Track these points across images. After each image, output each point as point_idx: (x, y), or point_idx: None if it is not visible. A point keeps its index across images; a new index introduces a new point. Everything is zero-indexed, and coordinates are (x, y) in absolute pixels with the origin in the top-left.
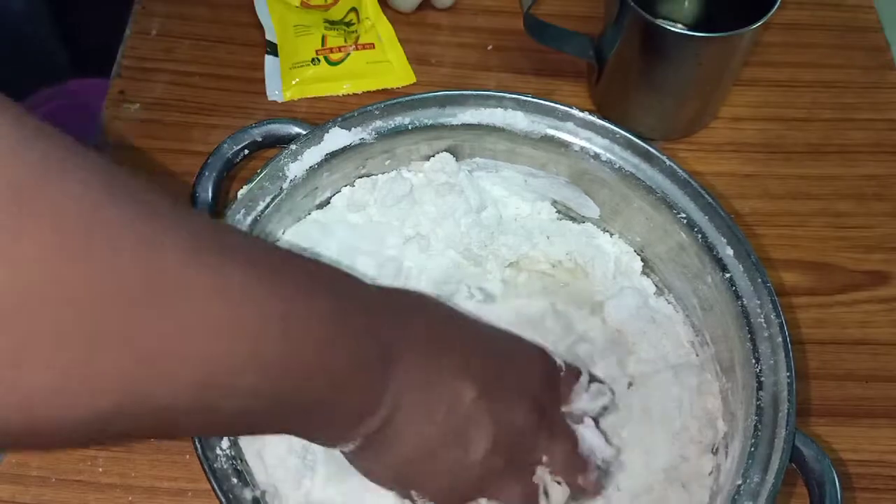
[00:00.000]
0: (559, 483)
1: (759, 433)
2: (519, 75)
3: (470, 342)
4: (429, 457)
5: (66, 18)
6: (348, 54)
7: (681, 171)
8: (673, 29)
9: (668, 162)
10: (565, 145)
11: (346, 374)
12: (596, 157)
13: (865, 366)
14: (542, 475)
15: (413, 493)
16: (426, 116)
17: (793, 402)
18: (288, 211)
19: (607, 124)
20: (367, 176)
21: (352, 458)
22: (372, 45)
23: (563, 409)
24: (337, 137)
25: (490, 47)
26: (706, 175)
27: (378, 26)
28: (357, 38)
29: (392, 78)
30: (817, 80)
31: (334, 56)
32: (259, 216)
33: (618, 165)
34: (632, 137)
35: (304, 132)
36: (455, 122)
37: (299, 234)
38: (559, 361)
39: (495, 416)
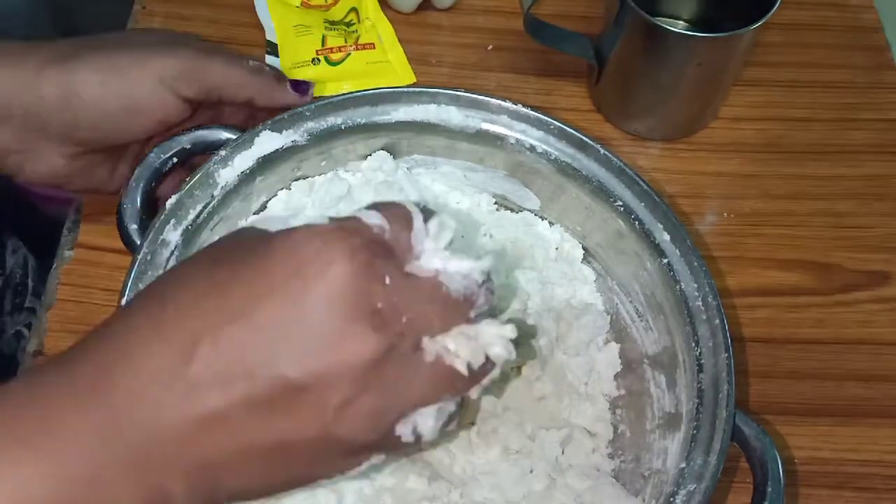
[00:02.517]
0: (456, 336)
1: (701, 415)
2: (519, 75)
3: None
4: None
5: (66, 19)
6: (348, 54)
7: (616, 159)
8: (673, 29)
9: (602, 151)
10: (501, 138)
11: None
12: (531, 148)
13: (866, 366)
14: (431, 347)
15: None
16: (359, 115)
17: (732, 382)
18: (222, 218)
19: (541, 116)
20: (304, 178)
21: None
22: (372, 46)
23: (408, 269)
24: (268, 141)
25: (490, 47)
26: (706, 175)
27: (378, 26)
28: (357, 38)
29: (392, 78)
30: (818, 81)
31: (334, 56)
32: (191, 225)
33: (553, 156)
34: (566, 128)
35: (234, 137)
36: (389, 119)
37: None
38: (374, 221)
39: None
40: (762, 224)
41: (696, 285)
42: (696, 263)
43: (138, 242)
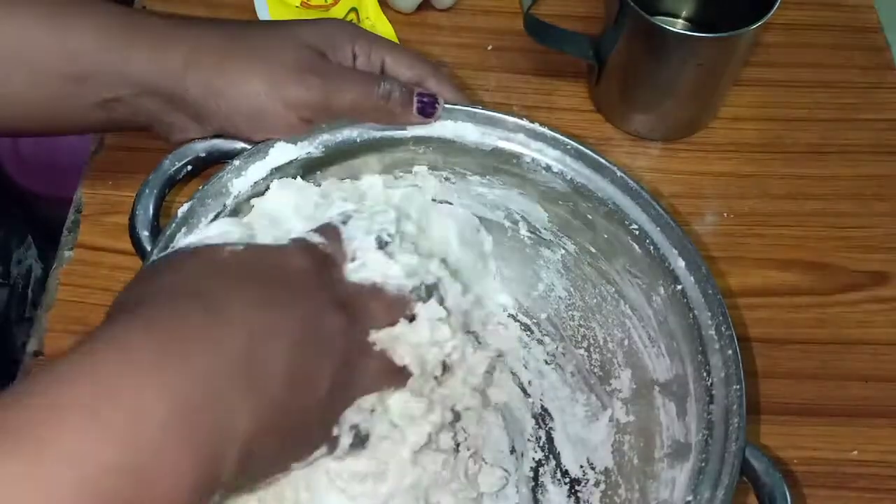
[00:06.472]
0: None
1: (710, 448)
2: (519, 75)
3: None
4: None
5: None
6: None
7: (632, 182)
8: (673, 29)
9: (619, 173)
10: (516, 157)
11: None
12: (547, 168)
13: (865, 366)
14: (378, 337)
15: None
16: (375, 129)
17: (743, 415)
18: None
19: (558, 135)
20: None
21: None
22: None
23: (348, 268)
24: (283, 152)
25: (490, 48)
26: (706, 175)
27: (378, 27)
28: None
29: None
30: (817, 81)
31: None
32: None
33: (569, 177)
34: (583, 148)
35: (249, 147)
36: (405, 134)
37: None
38: (317, 240)
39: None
40: (761, 224)
41: (709, 314)
42: (710, 292)
43: (149, 249)
